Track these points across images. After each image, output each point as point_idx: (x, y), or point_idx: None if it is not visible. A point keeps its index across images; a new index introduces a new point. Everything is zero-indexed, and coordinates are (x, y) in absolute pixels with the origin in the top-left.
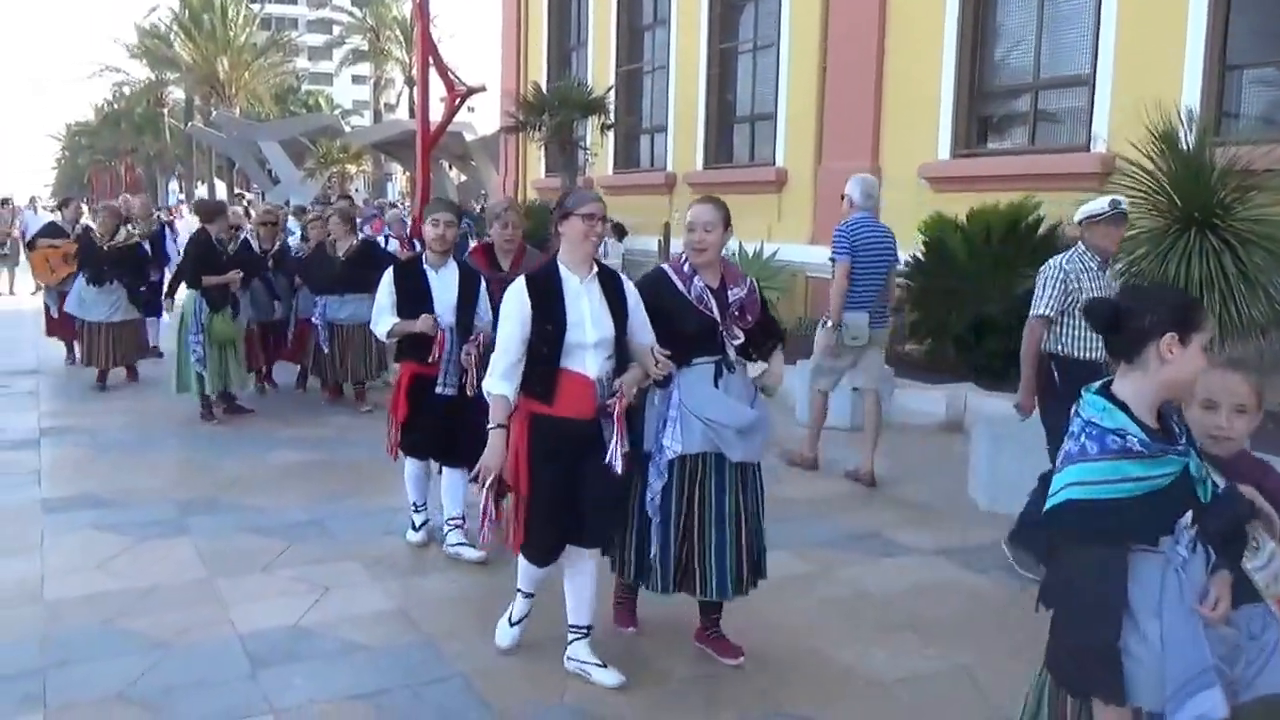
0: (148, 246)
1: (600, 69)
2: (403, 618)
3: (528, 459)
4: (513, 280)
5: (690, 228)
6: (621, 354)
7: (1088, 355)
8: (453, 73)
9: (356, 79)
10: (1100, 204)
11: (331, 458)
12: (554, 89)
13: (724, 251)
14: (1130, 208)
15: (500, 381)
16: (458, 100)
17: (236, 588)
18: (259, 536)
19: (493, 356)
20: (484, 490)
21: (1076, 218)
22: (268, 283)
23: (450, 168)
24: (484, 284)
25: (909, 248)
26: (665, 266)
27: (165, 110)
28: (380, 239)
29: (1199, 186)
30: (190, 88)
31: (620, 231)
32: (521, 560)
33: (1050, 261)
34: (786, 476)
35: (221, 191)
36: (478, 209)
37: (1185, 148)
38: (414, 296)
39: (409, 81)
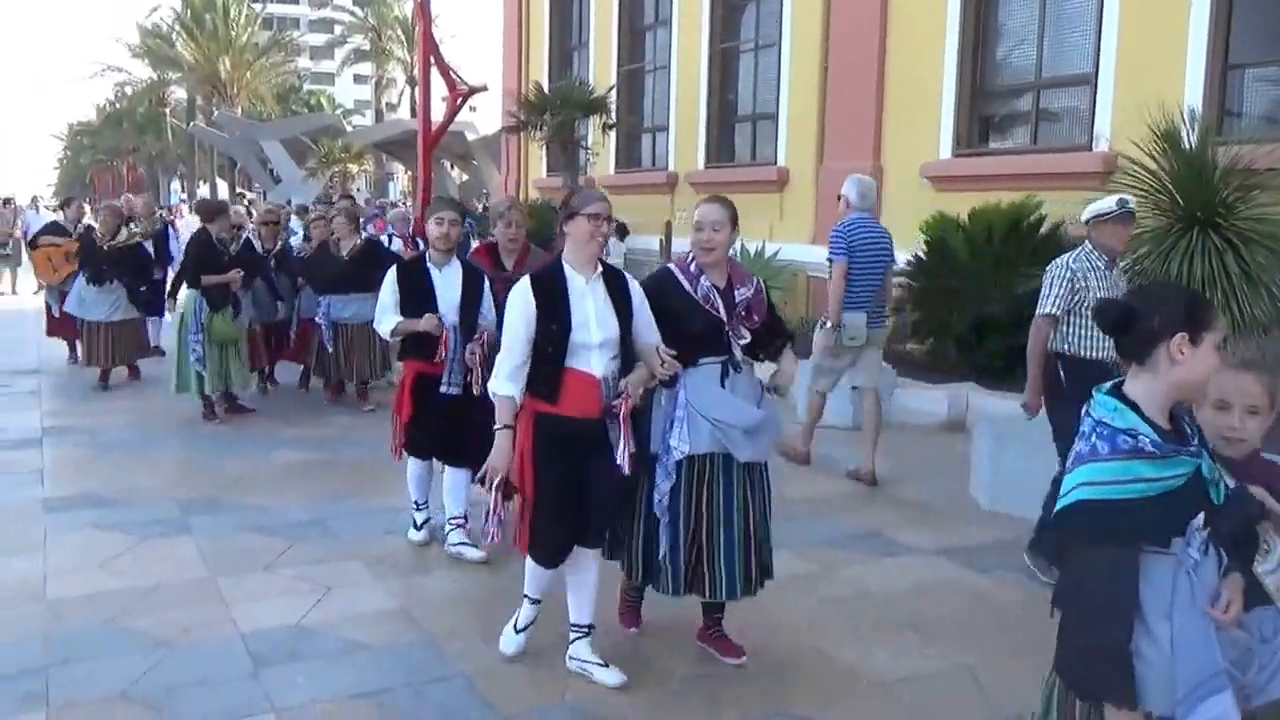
0: (151, 246)
1: (602, 68)
2: (405, 617)
3: (533, 459)
4: (516, 279)
5: (698, 227)
6: (627, 354)
7: (1094, 354)
8: (454, 72)
9: (358, 78)
10: (1108, 203)
11: (334, 457)
12: (555, 88)
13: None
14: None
15: (506, 382)
16: (459, 100)
17: (239, 587)
18: (261, 536)
19: (498, 357)
20: (492, 491)
21: (1084, 217)
22: (270, 282)
23: (452, 167)
24: (487, 283)
25: (911, 247)
26: (672, 266)
27: (167, 110)
28: (384, 238)
29: (1201, 186)
30: (192, 87)
31: (622, 231)
32: (529, 563)
33: (1057, 260)
34: (788, 476)
35: (223, 191)
36: (480, 208)
37: (1187, 147)
38: (417, 295)
39: (410, 81)
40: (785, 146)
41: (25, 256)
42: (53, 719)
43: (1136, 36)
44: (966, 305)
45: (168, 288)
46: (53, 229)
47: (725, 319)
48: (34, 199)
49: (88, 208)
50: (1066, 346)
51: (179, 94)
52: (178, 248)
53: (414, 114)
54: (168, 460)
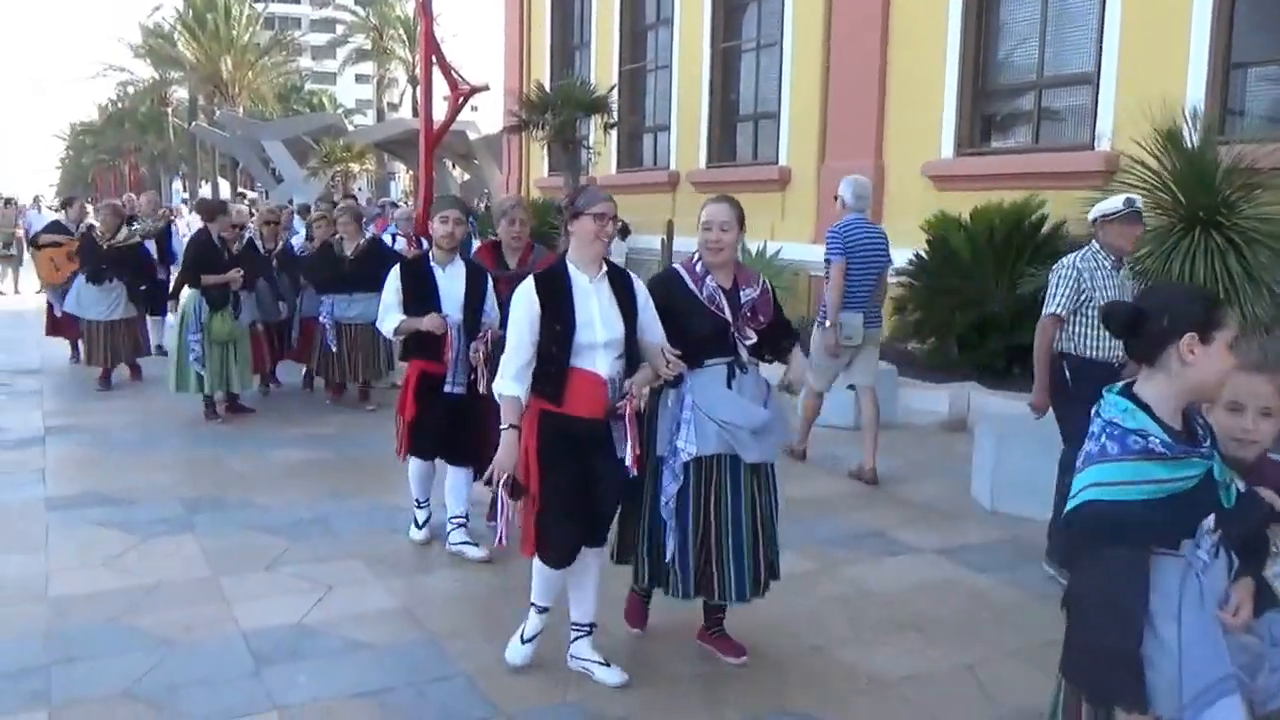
0: (154, 245)
1: (603, 68)
2: (406, 616)
3: (539, 458)
4: (520, 277)
5: (706, 226)
6: (632, 353)
7: (1099, 355)
8: (456, 72)
9: (360, 78)
10: (1115, 203)
11: (335, 456)
12: (557, 88)
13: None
14: None
15: (511, 383)
16: (461, 99)
17: (240, 586)
18: (263, 534)
19: (503, 358)
20: (499, 490)
21: (1091, 216)
22: (272, 282)
23: (453, 166)
24: (491, 281)
25: (913, 246)
26: (678, 266)
27: (169, 109)
28: (386, 237)
29: (1203, 185)
30: (194, 87)
31: (624, 231)
32: (536, 568)
33: (1063, 260)
34: (789, 476)
35: (225, 191)
36: (482, 208)
37: (1190, 146)
38: (421, 294)
39: (412, 80)
40: (787, 146)
41: (27, 256)
42: (55, 718)
43: (1138, 35)
44: (968, 304)
45: (170, 287)
46: (55, 228)
47: (730, 320)
48: (36, 199)
49: (90, 207)
50: (1072, 347)
51: (181, 94)
52: (180, 247)
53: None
54: (170, 459)
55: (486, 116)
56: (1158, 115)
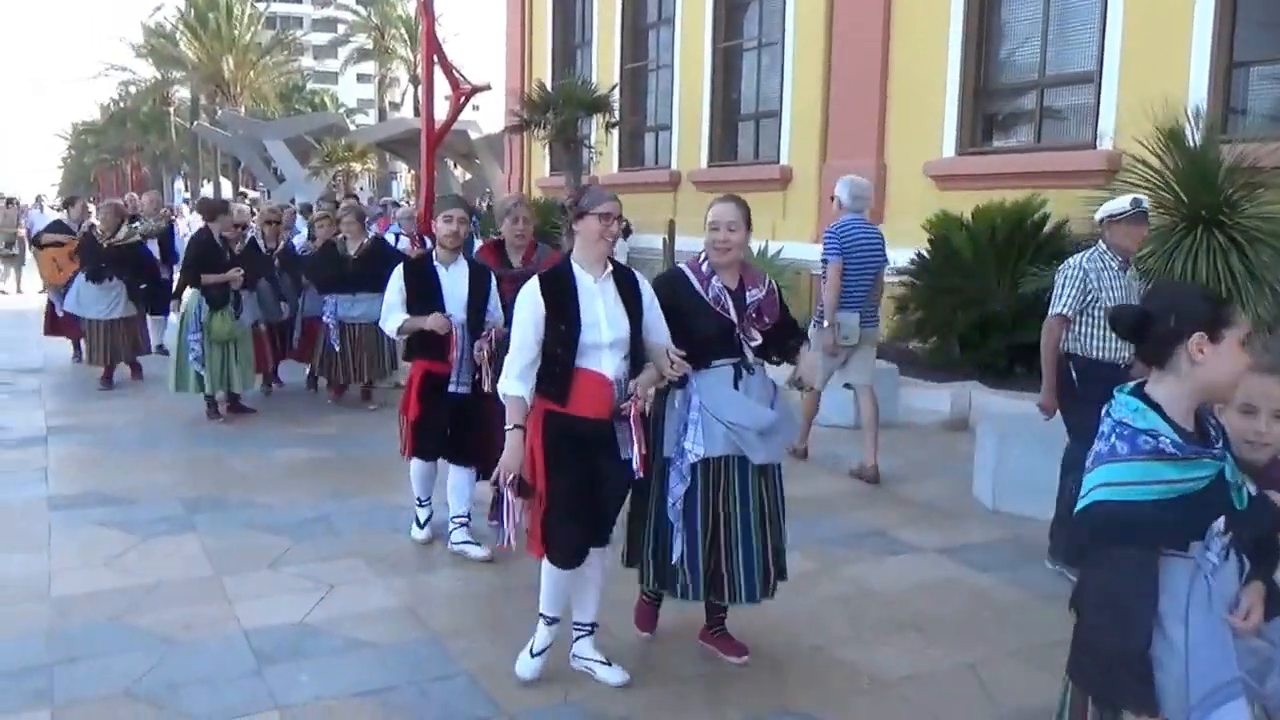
0: (157, 244)
1: (605, 67)
2: (408, 615)
3: (544, 458)
4: (523, 275)
5: (714, 226)
6: (637, 354)
7: (1106, 355)
8: (457, 71)
9: (361, 77)
10: (1122, 203)
11: (337, 455)
12: (558, 87)
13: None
14: None
15: (515, 383)
16: (462, 98)
17: (242, 585)
18: (265, 534)
19: (507, 358)
20: (505, 492)
21: (1098, 217)
22: (273, 282)
23: (455, 166)
24: (494, 280)
25: (914, 245)
26: (684, 266)
27: (171, 109)
28: (390, 236)
29: (1206, 184)
30: (196, 87)
31: (625, 230)
32: (545, 573)
33: (1070, 260)
34: (790, 475)
35: (227, 190)
36: (484, 207)
37: (1192, 145)
38: (424, 294)
39: (414, 80)
40: (788, 145)
41: (30, 255)
42: (57, 717)
43: (1140, 34)
44: (970, 304)
45: (173, 287)
46: (57, 228)
47: (735, 321)
48: (39, 198)
49: (92, 207)
50: (1079, 347)
51: (183, 93)
52: (182, 247)
53: (417, 113)
54: (172, 458)
55: (488, 116)
56: (1160, 114)
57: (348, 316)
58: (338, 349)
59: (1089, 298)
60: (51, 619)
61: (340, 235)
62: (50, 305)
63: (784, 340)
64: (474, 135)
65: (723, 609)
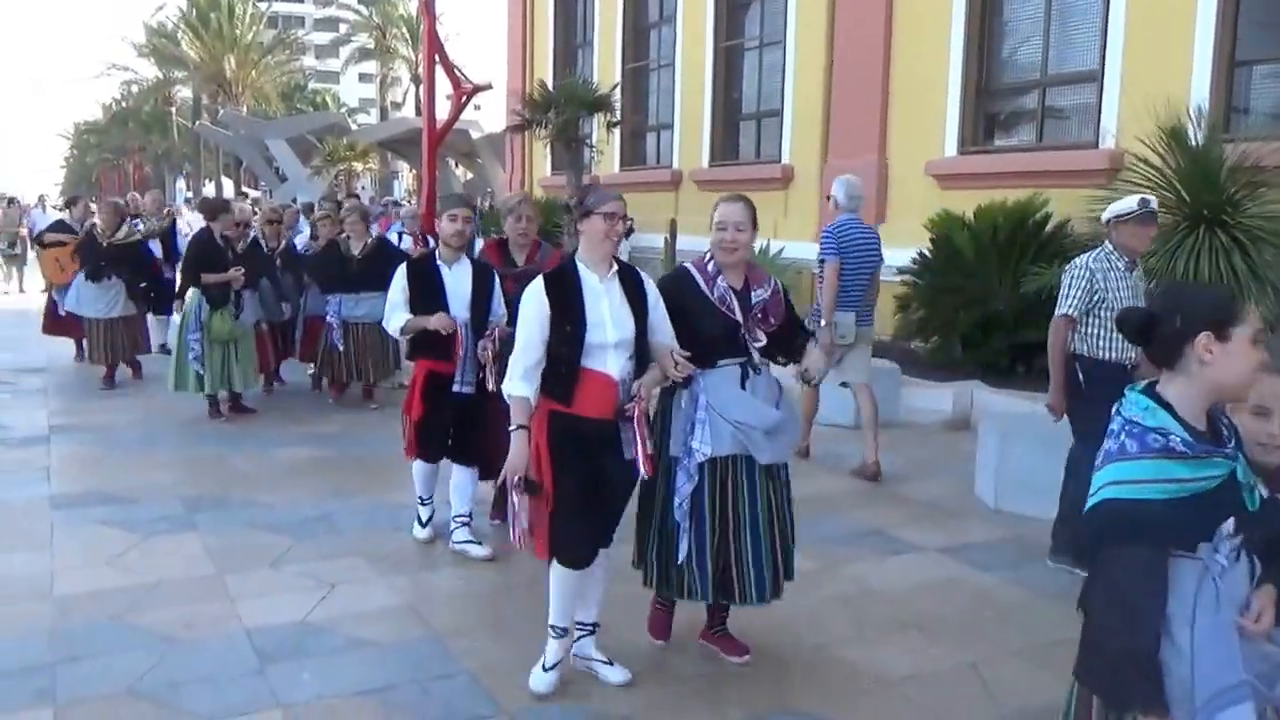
0: (159, 243)
1: (606, 67)
2: (410, 614)
3: (549, 458)
4: (527, 274)
5: (721, 226)
6: (642, 354)
7: (1112, 355)
8: (459, 70)
9: (363, 77)
10: (1129, 203)
11: (339, 454)
12: (560, 87)
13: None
14: None
15: (520, 383)
16: (464, 98)
17: (244, 583)
18: (267, 533)
19: (511, 358)
20: (512, 492)
21: (1104, 217)
22: (275, 282)
23: (456, 165)
24: (498, 279)
25: (916, 245)
26: (689, 265)
27: (173, 109)
28: (393, 236)
29: (1208, 183)
30: (198, 86)
31: (628, 229)
32: (554, 582)
33: (1076, 260)
34: (792, 474)
35: (229, 190)
36: (486, 206)
37: (1194, 144)
38: (428, 293)
39: (415, 79)
40: (790, 144)
41: (32, 255)
42: (60, 716)
43: (1143, 33)
44: (972, 303)
45: (176, 287)
46: (59, 227)
47: (740, 321)
48: (41, 198)
49: (94, 206)
50: (1085, 348)
51: (185, 93)
52: (184, 246)
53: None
54: (173, 458)
55: (489, 115)
56: (1162, 113)
57: (351, 316)
58: (341, 348)
59: (1095, 298)
60: (53, 618)
61: (344, 235)
62: (50, 304)
63: (790, 340)
64: (475, 135)
65: (725, 609)
